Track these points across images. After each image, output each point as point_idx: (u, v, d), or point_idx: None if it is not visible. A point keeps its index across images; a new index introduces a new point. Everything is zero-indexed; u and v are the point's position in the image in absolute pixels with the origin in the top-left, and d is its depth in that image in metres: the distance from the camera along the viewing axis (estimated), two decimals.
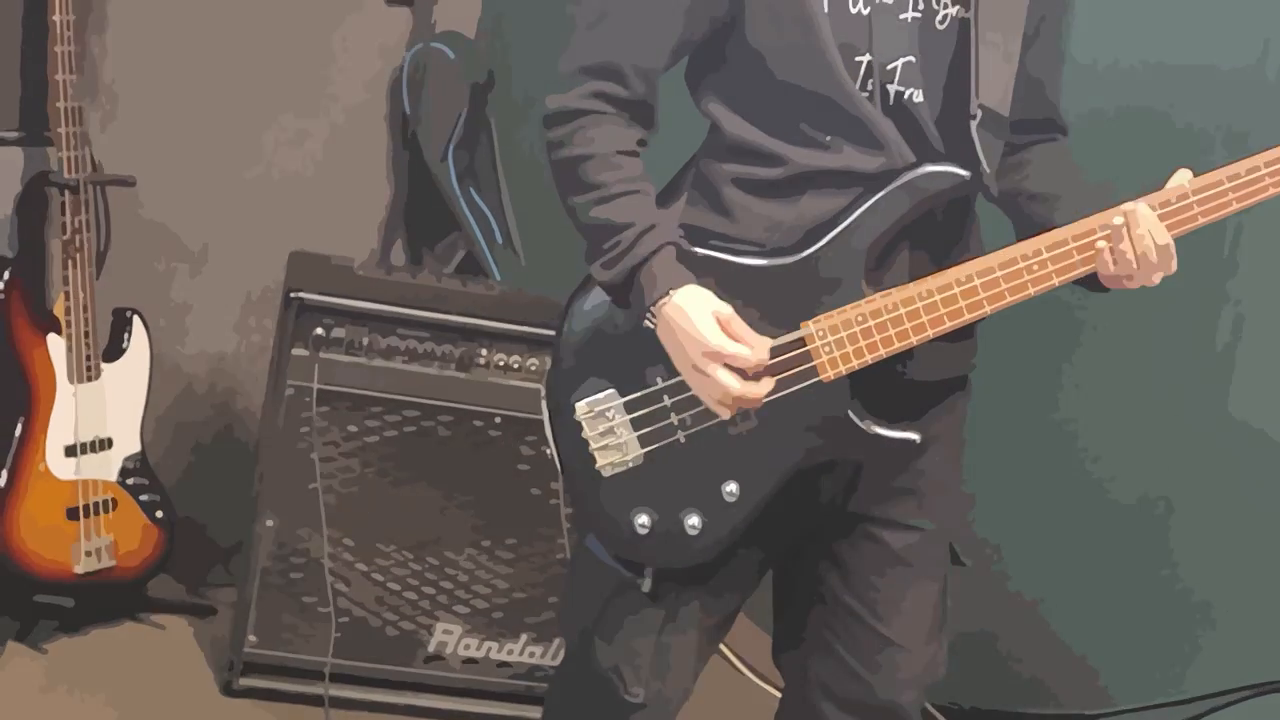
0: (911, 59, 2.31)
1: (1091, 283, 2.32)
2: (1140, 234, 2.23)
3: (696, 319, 2.26)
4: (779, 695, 2.67)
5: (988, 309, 2.29)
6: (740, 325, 2.28)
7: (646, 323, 2.29)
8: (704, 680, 2.61)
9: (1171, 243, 2.25)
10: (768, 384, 2.29)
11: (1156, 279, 2.27)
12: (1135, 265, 2.24)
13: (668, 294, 2.27)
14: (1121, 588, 3.48)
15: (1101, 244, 2.26)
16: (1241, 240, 3.17)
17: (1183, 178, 2.27)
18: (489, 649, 3.60)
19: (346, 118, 4.29)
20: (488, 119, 4.54)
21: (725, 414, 2.30)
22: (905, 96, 2.31)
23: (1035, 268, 2.28)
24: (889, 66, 2.30)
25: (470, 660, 3.60)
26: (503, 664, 3.61)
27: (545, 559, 3.55)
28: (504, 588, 3.57)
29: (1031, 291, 2.29)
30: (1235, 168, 2.26)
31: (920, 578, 2.50)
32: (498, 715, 3.62)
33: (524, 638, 3.60)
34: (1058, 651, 3.59)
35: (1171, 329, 3.31)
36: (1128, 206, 2.25)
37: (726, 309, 2.27)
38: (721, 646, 3.76)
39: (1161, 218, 2.24)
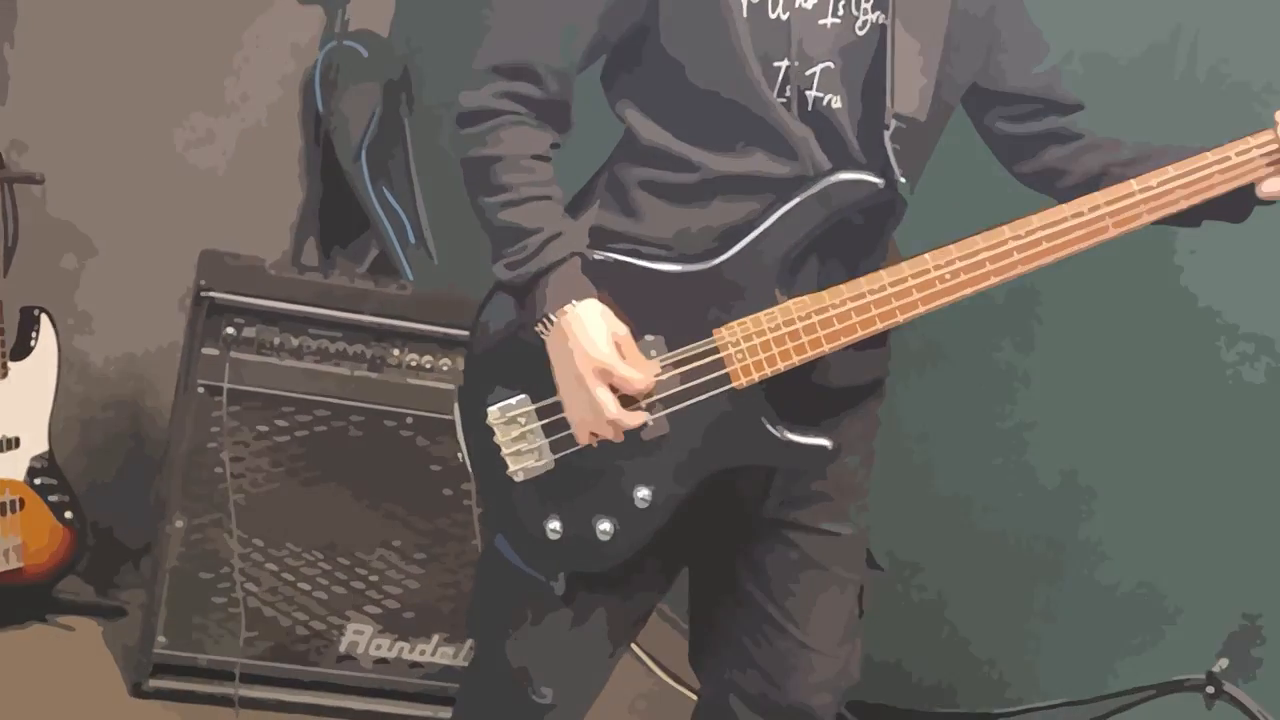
0: (831, 65, 2.30)
1: (1191, 219, 2.35)
2: None
3: (594, 333, 2.25)
4: (695, 697, 2.68)
5: (900, 317, 2.30)
6: (632, 350, 2.28)
7: (539, 329, 2.29)
8: (620, 682, 2.62)
9: None
10: (641, 417, 2.29)
11: None
12: None
13: (570, 303, 2.26)
14: (1027, 587, 3.52)
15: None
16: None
17: None
18: (400, 649, 3.59)
19: (258, 116, 4.28)
20: (401, 118, 4.53)
21: (584, 438, 2.30)
22: (824, 103, 2.30)
23: (948, 276, 2.29)
24: (808, 73, 2.29)
25: (382, 660, 3.59)
26: (414, 664, 3.60)
27: (457, 559, 3.54)
28: (416, 588, 3.56)
29: (943, 301, 2.30)
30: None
31: (835, 582, 2.50)
32: (409, 716, 3.61)
33: (436, 638, 3.59)
34: (963, 651, 3.62)
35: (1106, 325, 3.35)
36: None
37: (624, 330, 2.27)
38: (637, 649, 3.79)
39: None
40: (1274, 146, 2.27)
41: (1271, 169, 2.28)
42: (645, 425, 2.31)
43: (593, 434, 2.31)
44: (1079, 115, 2.47)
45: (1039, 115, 2.46)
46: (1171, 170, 2.28)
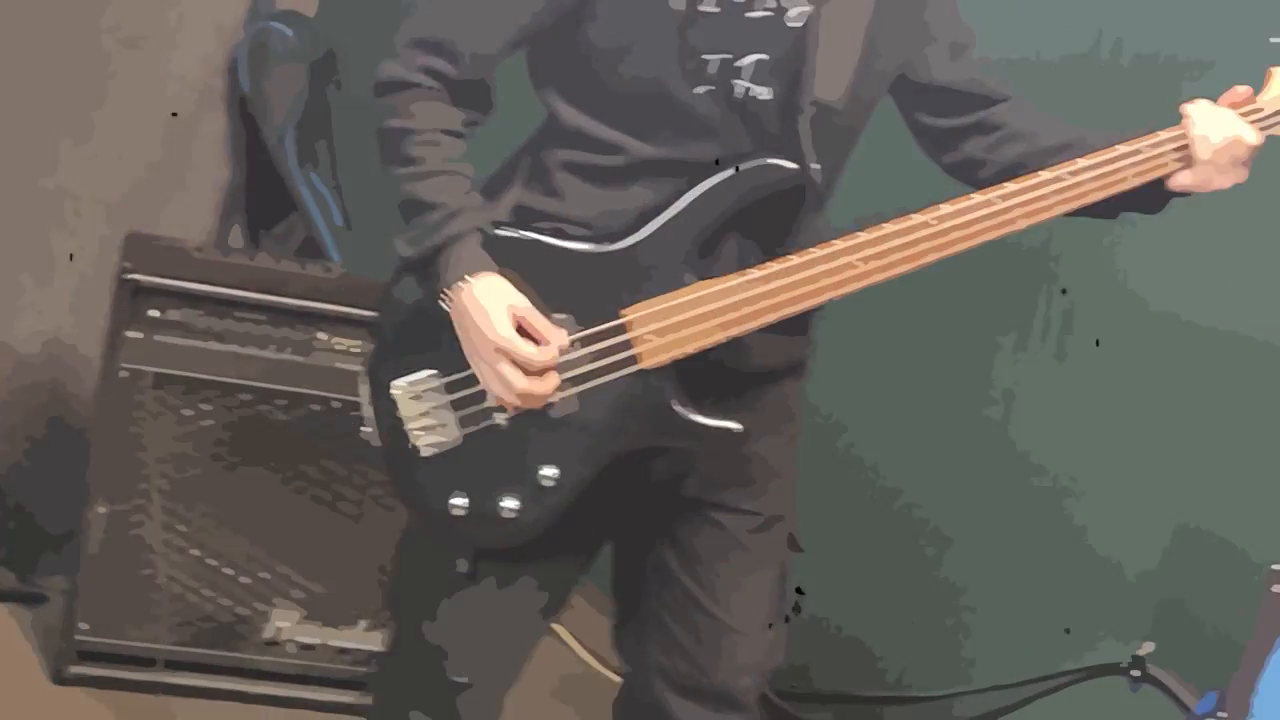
0: (763, 57, 2.30)
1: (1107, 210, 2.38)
2: (1203, 133, 2.31)
3: (490, 310, 2.24)
4: (619, 679, 2.68)
5: (808, 303, 2.31)
6: (536, 319, 2.27)
7: (442, 304, 2.28)
8: (543, 664, 2.61)
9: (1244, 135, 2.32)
10: (552, 381, 2.28)
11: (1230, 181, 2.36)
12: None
13: (465, 280, 2.26)
14: (952, 572, 3.53)
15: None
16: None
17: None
18: (326, 635, 3.57)
19: (184, 97, 4.23)
20: (327, 100, 4.50)
21: (506, 409, 2.30)
22: (751, 94, 2.31)
23: (857, 263, 2.30)
24: (738, 64, 2.30)
25: (307, 646, 3.57)
26: (340, 650, 3.58)
27: (383, 544, 3.51)
28: (342, 573, 3.54)
29: (852, 287, 2.31)
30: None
31: (759, 563, 2.51)
32: (334, 702, 3.59)
33: (362, 623, 3.58)
34: (889, 635, 3.64)
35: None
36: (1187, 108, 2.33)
37: (524, 302, 2.26)
38: (561, 630, 3.78)
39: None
40: (1184, 140, 2.30)
41: (1181, 163, 2.32)
42: (554, 404, 2.31)
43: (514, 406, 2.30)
44: (1003, 105, 2.48)
45: (964, 108, 2.48)
46: (1083, 163, 2.30)
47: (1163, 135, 2.32)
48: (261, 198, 4.44)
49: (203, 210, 4.36)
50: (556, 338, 2.28)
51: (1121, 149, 2.32)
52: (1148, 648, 3.11)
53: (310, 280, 3.54)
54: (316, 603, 3.55)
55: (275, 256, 3.80)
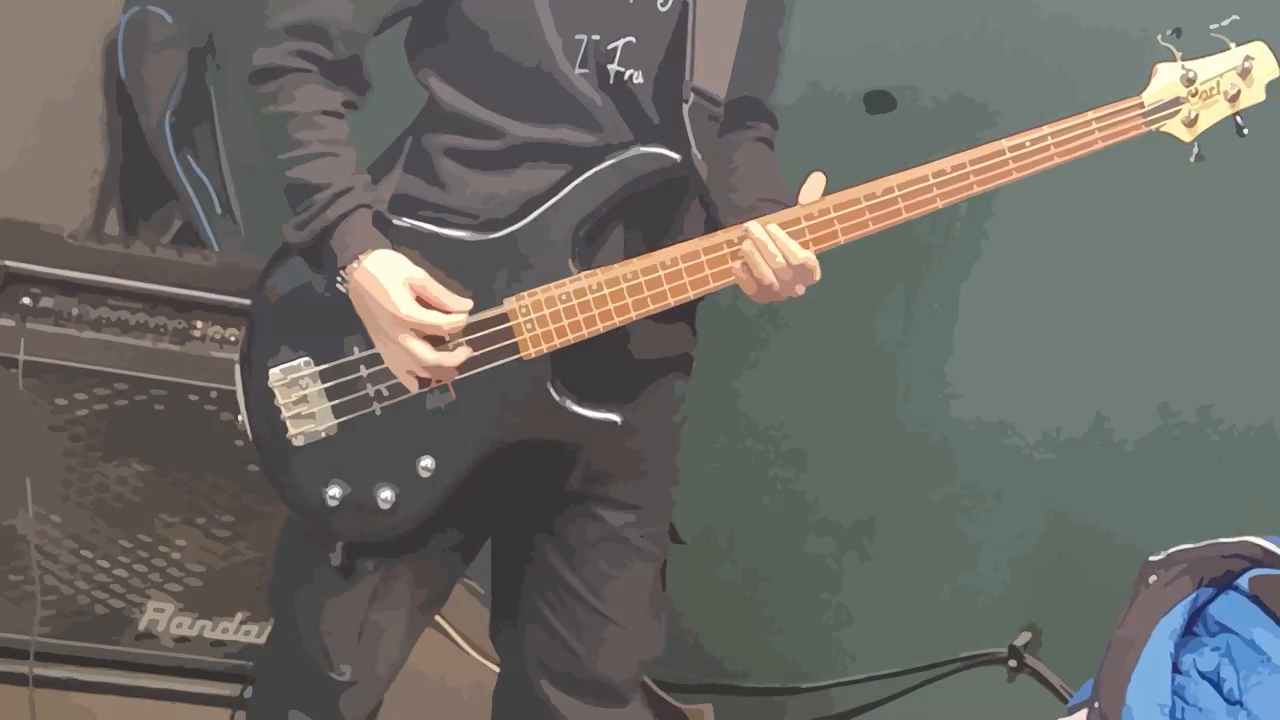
0: (632, 39, 2.31)
1: None
2: (772, 253, 2.25)
3: (388, 285, 2.24)
4: (498, 670, 2.67)
5: (691, 292, 2.31)
6: (436, 290, 2.26)
7: (339, 287, 2.26)
8: (422, 656, 2.59)
9: (810, 257, 2.27)
10: (463, 353, 2.28)
11: (801, 290, 2.30)
12: (775, 283, 2.27)
13: (358, 259, 2.24)
14: (830, 563, 3.55)
15: (738, 265, 2.28)
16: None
17: (817, 185, 2.30)
18: (202, 627, 3.53)
19: (59, 82, 4.17)
20: (207, 85, 4.45)
21: (414, 386, 2.29)
22: (625, 77, 2.32)
23: (741, 253, 2.30)
24: (609, 46, 2.30)
25: (183, 639, 3.53)
26: (216, 643, 3.55)
27: (262, 537, 3.49)
28: (219, 565, 3.50)
29: (734, 278, 2.31)
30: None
31: (638, 555, 2.52)
32: (210, 694, 3.56)
33: (239, 616, 3.54)
34: (765, 625, 3.66)
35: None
36: (750, 225, 2.27)
37: (420, 274, 2.26)
38: (441, 621, 3.76)
39: (795, 234, 2.26)
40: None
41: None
42: (432, 393, 2.28)
43: (421, 382, 2.28)
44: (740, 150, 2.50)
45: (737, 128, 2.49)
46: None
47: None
48: (139, 184, 4.39)
49: (79, 197, 4.29)
50: (459, 305, 2.27)
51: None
52: (1024, 637, 3.15)
53: (188, 268, 3.50)
54: (193, 595, 3.51)
55: (152, 244, 3.75)
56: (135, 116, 4.29)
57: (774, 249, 2.25)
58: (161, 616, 3.51)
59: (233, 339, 3.42)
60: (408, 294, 2.24)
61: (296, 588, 2.50)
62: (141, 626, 3.51)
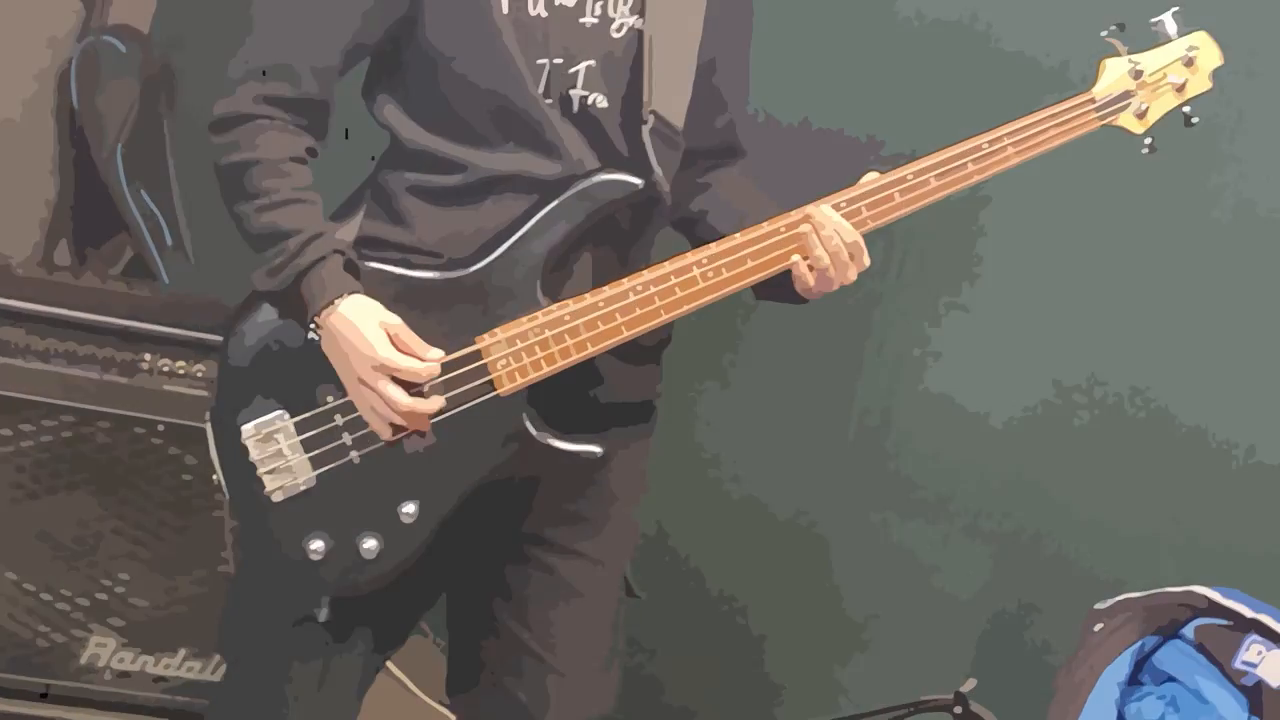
0: (593, 64, 2.30)
1: (786, 294, 2.36)
2: (828, 235, 2.27)
3: (364, 329, 2.22)
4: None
5: (664, 316, 2.30)
6: (410, 337, 2.24)
7: (311, 335, 2.24)
8: (377, 703, 2.57)
9: (860, 238, 2.29)
10: (437, 401, 2.26)
11: (853, 275, 2.32)
12: (831, 267, 2.28)
13: (332, 304, 2.22)
14: (775, 608, 3.55)
15: (795, 258, 2.29)
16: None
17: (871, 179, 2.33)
18: (145, 663, 3.50)
19: (10, 110, 4.15)
20: (160, 116, 4.44)
21: (387, 434, 2.27)
22: (589, 102, 2.31)
23: (710, 274, 2.30)
24: (570, 71, 2.30)
25: (124, 674, 3.50)
26: (159, 678, 3.51)
27: (207, 572, 3.46)
28: (163, 600, 3.47)
29: (708, 298, 2.31)
30: (903, 171, 2.32)
31: (590, 607, 2.48)
32: None
33: (182, 652, 3.51)
34: (711, 670, 3.65)
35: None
36: (810, 209, 2.29)
37: (395, 319, 2.24)
38: (396, 670, 3.75)
39: (846, 215, 2.29)
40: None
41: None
42: (411, 437, 2.27)
43: (395, 429, 2.26)
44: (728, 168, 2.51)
45: (711, 166, 2.50)
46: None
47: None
48: (90, 215, 4.37)
49: (28, 226, 4.27)
50: (433, 353, 2.25)
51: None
52: (970, 684, 3.14)
53: (136, 300, 3.48)
54: (135, 629, 3.48)
55: (101, 275, 3.73)
56: (87, 147, 4.27)
57: (831, 230, 2.27)
58: (104, 651, 3.48)
59: (181, 371, 3.40)
60: (384, 338, 2.22)
61: (254, 630, 2.47)
62: (83, 660, 3.47)
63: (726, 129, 2.50)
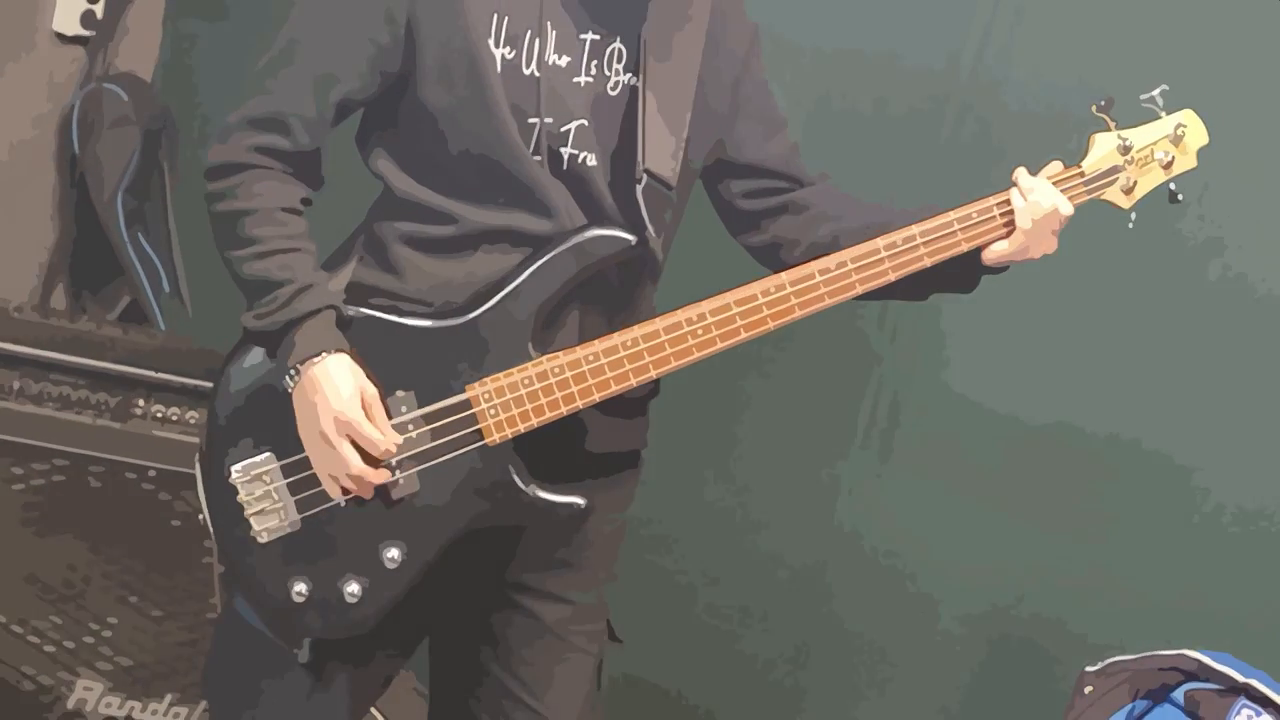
0: (585, 123, 2.32)
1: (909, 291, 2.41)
2: (1035, 199, 2.35)
3: (342, 387, 2.23)
4: None
5: (653, 371, 2.32)
6: (380, 411, 2.26)
7: (286, 379, 2.25)
8: None
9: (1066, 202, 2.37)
10: (383, 475, 2.27)
11: (1053, 244, 2.39)
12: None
13: (320, 355, 2.23)
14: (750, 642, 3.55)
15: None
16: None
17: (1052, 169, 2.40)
18: (131, 708, 3.50)
19: (11, 154, 4.17)
20: (161, 164, 4.45)
21: (335, 493, 2.28)
22: (579, 160, 2.33)
23: (700, 331, 2.32)
24: (562, 130, 2.31)
25: (110, 719, 3.50)
26: None
27: (195, 618, 3.47)
28: (151, 646, 3.47)
29: (696, 356, 2.33)
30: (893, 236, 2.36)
31: (574, 652, 2.49)
32: None
33: (169, 698, 3.51)
34: (676, 704, 3.64)
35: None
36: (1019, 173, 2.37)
37: (373, 390, 2.26)
38: (378, 715, 3.73)
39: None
40: (1009, 207, 2.36)
41: (1007, 229, 2.36)
42: (396, 484, 2.28)
43: (344, 489, 2.27)
44: (811, 189, 2.51)
45: (775, 188, 2.50)
46: (915, 229, 2.34)
47: (990, 201, 2.37)
48: (88, 260, 4.38)
49: (26, 270, 4.28)
50: (391, 435, 2.26)
51: (953, 214, 2.36)
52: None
53: (131, 345, 3.49)
54: (123, 675, 3.48)
55: (98, 320, 3.74)
56: (87, 192, 4.28)
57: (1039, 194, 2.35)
58: (90, 695, 3.48)
59: (174, 418, 3.41)
60: (359, 402, 2.24)
61: (237, 675, 2.47)
62: (70, 705, 3.47)
63: (790, 152, 2.53)
